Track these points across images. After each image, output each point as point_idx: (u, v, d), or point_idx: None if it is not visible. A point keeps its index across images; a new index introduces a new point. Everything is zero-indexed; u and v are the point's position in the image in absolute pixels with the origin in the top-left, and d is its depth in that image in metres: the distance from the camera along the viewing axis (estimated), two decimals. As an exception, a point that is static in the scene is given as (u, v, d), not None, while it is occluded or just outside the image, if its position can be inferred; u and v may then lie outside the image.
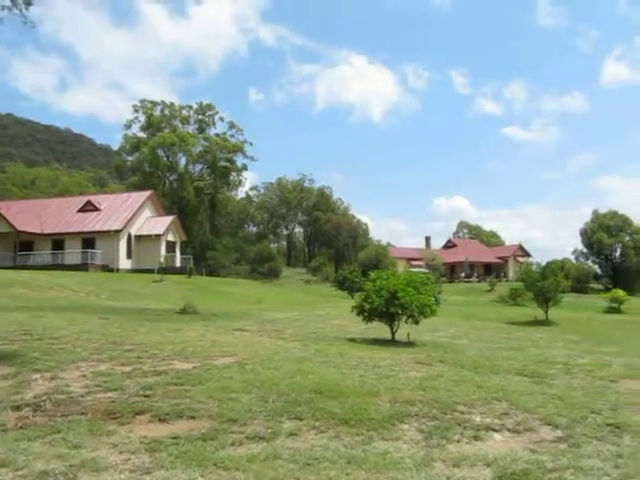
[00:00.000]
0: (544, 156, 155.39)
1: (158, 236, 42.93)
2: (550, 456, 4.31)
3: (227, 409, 5.18)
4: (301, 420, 5.00)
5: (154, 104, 71.23)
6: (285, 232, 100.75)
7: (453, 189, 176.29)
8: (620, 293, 38.62)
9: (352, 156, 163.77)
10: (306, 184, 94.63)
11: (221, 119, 74.49)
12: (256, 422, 4.87)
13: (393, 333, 14.41)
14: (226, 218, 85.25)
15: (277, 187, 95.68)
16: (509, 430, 5.07)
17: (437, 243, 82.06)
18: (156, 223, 44.63)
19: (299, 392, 5.91)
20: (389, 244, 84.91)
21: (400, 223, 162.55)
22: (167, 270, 37.86)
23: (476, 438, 4.77)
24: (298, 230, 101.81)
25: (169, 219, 46.10)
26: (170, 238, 45.20)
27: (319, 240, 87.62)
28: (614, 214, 69.80)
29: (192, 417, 4.99)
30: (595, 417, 5.52)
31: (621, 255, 67.42)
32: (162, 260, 40.13)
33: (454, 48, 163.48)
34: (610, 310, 36.89)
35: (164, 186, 69.41)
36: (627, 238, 67.43)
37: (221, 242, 67.51)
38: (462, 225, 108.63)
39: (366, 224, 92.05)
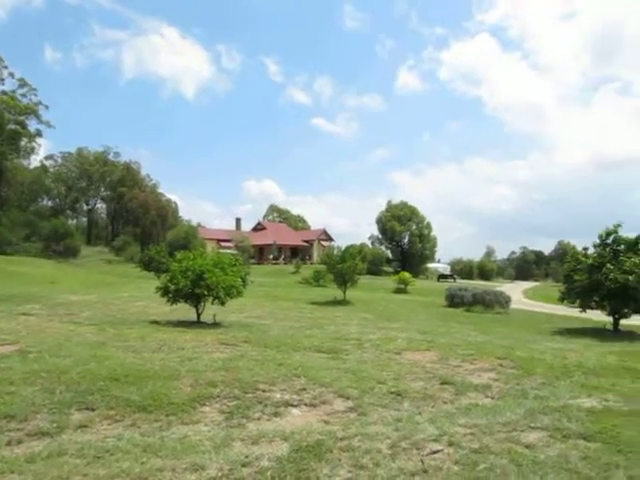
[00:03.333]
0: (347, 148, 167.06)
1: None
2: (341, 426, 4.65)
3: (3, 404, 4.61)
4: (93, 410, 4.66)
5: None
6: (85, 208, 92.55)
7: (263, 173, 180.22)
8: (406, 275, 43.39)
9: (162, 132, 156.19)
10: (111, 157, 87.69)
11: (11, 75, 65.05)
12: (39, 416, 4.41)
13: (199, 314, 14.26)
14: (15, 189, 75.31)
15: (77, 158, 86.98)
16: (306, 405, 5.35)
17: (247, 225, 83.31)
18: None
19: (92, 380, 5.50)
20: (199, 225, 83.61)
21: (210, 204, 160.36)
22: None
23: (276, 414, 4.94)
24: (100, 206, 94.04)
25: (-62, 186, 39.23)
26: (-61, 209, 38.57)
27: (124, 218, 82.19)
28: (404, 205, 78.12)
29: (-43, 416, 4.32)
30: (381, 387, 6.11)
31: (409, 242, 75.80)
32: None
33: (268, 36, 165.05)
34: (398, 291, 41.32)
35: None
36: (414, 227, 76.16)
37: (8, 216, 59.51)
38: (272, 209, 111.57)
39: (175, 203, 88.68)
